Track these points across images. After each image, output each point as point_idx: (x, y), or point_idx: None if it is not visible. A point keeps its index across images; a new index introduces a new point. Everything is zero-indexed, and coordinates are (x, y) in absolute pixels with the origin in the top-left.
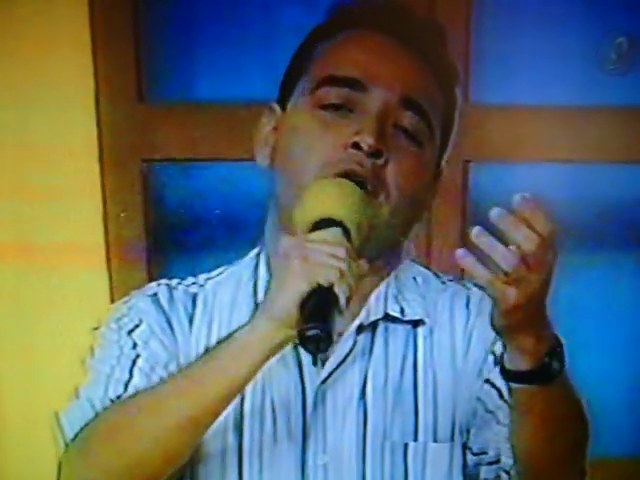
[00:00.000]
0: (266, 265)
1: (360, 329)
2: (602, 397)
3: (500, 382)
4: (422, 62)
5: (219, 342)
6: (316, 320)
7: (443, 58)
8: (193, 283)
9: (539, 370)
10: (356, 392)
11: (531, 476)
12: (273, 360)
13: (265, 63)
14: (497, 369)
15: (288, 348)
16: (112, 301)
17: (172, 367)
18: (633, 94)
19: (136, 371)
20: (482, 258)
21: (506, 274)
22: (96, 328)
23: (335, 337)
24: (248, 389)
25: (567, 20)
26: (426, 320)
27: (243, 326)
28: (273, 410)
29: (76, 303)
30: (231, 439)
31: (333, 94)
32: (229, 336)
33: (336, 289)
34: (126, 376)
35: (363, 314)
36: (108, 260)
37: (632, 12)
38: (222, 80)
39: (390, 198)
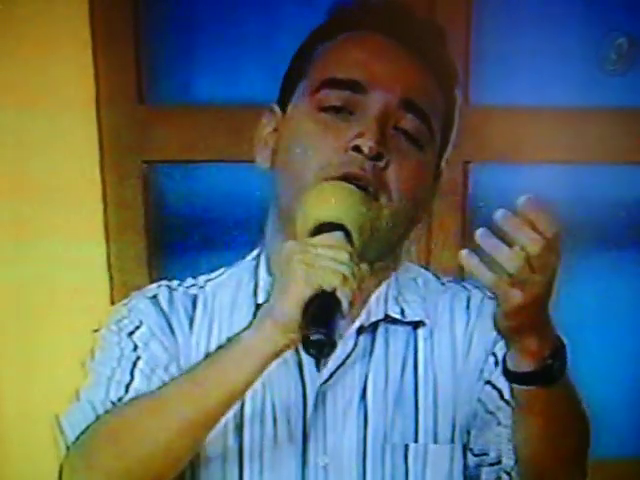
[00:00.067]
0: (266, 266)
1: (360, 330)
2: (602, 397)
3: (501, 383)
4: (422, 63)
5: (221, 346)
6: (319, 324)
7: (443, 59)
8: (193, 284)
9: (542, 371)
10: (356, 393)
11: (533, 477)
12: (273, 362)
13: (265, 64)
14: (498, 370)
15: None
16: (112, 302)
17: (173, 369)
18: (633, 94)
19: (137, 373)
20: (485, 259)
21: (510, 275)
22: (96, 330)
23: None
24: (249, 390)
25: (567, 20)
26: (426, 321)
27: (245, 330)
28: (274, 411)
29: (76, 304)
30: (232, 440)
31: (333, 96)
32: (231, 340)
33: (339, 293)
34: (127, 378)
35: (363, 315)
36: (108, 260)
37: (632, 12)
38: (222, 81)
39: (391, 200)
